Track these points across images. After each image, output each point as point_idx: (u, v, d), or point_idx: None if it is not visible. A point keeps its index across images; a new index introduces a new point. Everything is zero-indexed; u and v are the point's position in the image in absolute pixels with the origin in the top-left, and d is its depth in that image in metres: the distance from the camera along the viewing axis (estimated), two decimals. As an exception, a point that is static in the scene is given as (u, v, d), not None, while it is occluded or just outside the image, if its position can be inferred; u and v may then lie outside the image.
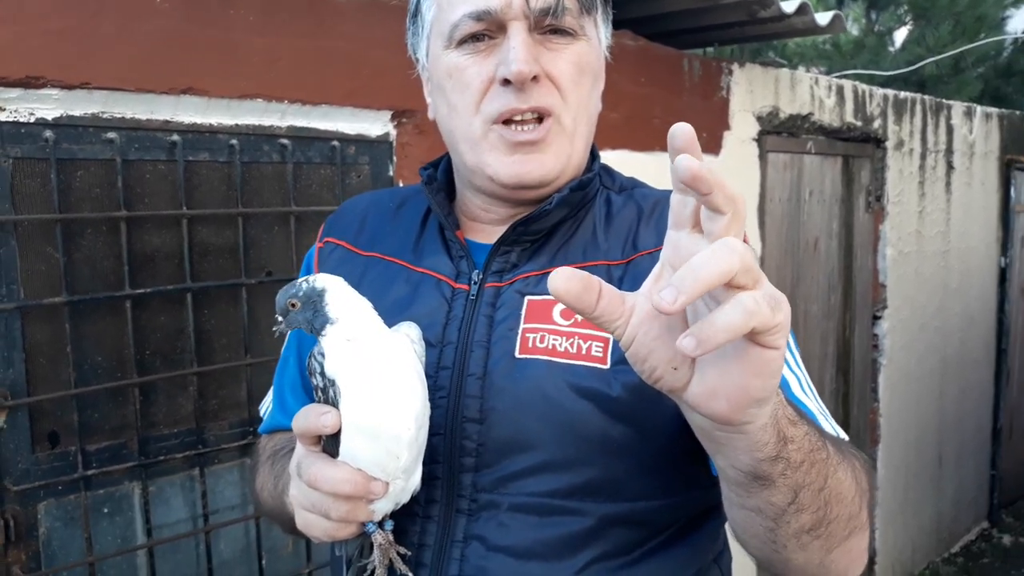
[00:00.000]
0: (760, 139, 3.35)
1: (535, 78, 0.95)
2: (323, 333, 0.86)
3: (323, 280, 0.87)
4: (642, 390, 0.92)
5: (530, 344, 0.96)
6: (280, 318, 0.86)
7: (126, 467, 1.78)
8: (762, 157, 3.37)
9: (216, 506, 1.95)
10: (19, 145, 1.61)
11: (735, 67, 3.19)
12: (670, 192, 1.06)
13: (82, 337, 1.73)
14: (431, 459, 0.94)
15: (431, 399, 0.93)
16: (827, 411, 0.99)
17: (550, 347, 0.95)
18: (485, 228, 1.06)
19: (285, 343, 1.21)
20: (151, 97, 1.73)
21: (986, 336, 5.18)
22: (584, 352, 0.94)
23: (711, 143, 3.12)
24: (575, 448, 0.93)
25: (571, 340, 0.95)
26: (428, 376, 0.98)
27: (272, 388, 1.23)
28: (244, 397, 1.96)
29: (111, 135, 1.71)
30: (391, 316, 1.01)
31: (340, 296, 0.87)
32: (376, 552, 0.90)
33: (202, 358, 1.89)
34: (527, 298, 0.98)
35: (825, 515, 0.81)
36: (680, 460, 0.98)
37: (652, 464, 0.97)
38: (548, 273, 0.98)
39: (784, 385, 0.95)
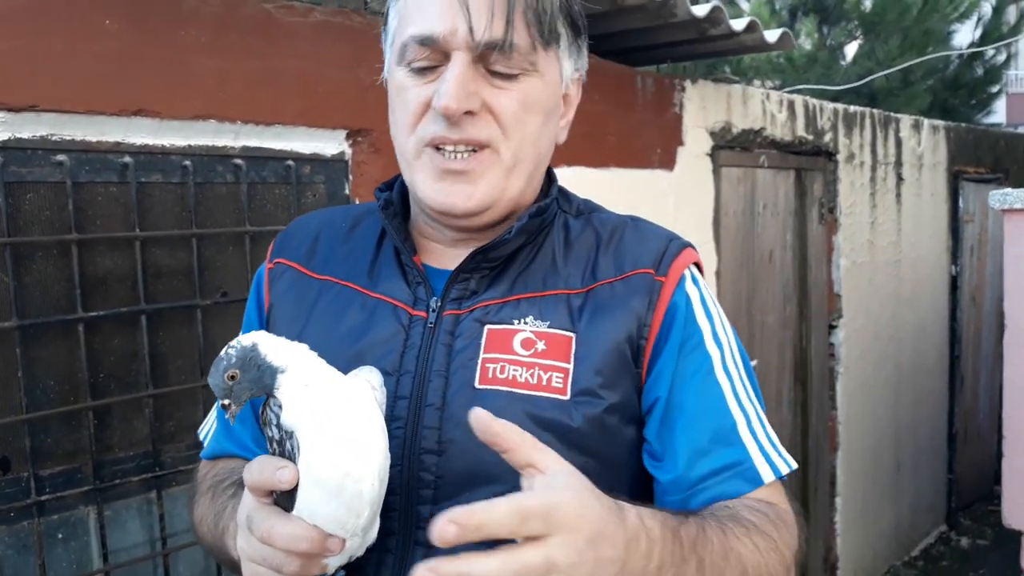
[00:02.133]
0: (714, 154, 3.41)
1: (471, 112, 0.93)
2: (276, 385, 0.81)
3: (247, 337, 0.82)
4: (602, 422, 0.95)
5: (490, 374, 0.95)
6: (226, 400, 0.79)
7: (81, 491, 1.76)
8: (716, 172, 3.43)
9: (174, 529, 1.93)
10: (-34, 169, 1.60)
11: (687, 83, 3.25)
12: (627, 217, 1.11)
13: (33, 361, 1.71)
14: (387, 491, 0.92)
15: (388, 431, 0.91)
16: (774, 442, 1.01)
17: (510, 378, 0.95)
18: (442, 251, 1.05)
19: None
20: (101, 119, 1.73)
21: (939, 343, 5.30)
22: (545, 383, 0.95)
23: (665, 158, 3.17)
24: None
25: (532, 371, 0.95)
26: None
27: (214, 409, 1.20)
28: (200, 418, 1.94)
29: (60, 157, 1.70)
30: (347, 344, 1.00)
31: (274, 344, 0.82)
32: None
33: (157, 380, 1.87)
34: (487, 327, 0.98)
35: None
36: (639, 491, 1.01)
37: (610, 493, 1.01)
38: (508, 302, 1.00)
39: (730, 426, 0.98)
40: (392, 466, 0.90)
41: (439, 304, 1.00)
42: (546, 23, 0.95)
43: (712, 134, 3.39)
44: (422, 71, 0.96)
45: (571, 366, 0.95)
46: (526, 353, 0.95)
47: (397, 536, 0.95)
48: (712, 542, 0.84)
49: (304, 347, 0.85)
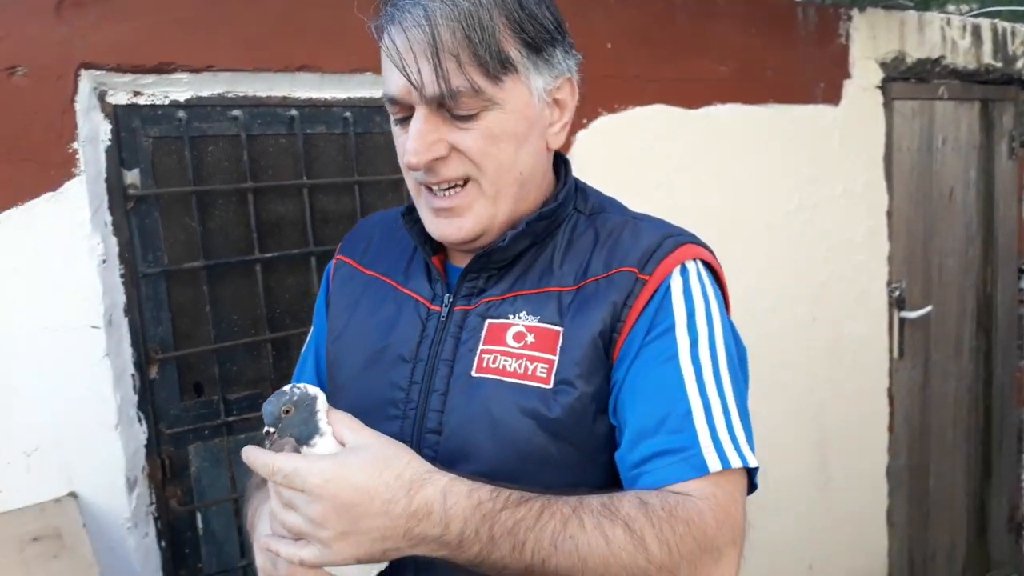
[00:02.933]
0: (884, 86, 3.22)
1: (440, 158, 1.02)
2: (311, 443, 0.93)
3: (313, 389, 0.95)
4: (579, 411, 1.02)
5: (484, 364, 1.05)
6: (271, 429, 0.91)
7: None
8: (887, 105, 3.24)
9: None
10: (156, 126, 1.80)
11: (854, 12, 3.08)
12: (632, 216, 1.15)
13: (219, 298, 1.91)
14: None
15: (402, 411, 1.07)
16: (734, 435, 0.99)
17: (501, 367, 1.04)
18: (461, 252, 1.14)
19: (306, 343, 1.33)
20: (269, 75, 1.89)
21: None
22: (531, 373, 1.02)
23: (830, 93, 3.04)
24: (517, 462, 1.01)
25: (520, 361, 1.03)
26: (401, 389, 1.09)
27: (293, 379, 1.35)
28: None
29: (236, 112, 1.87)
30: (380, 332, 1.14)
31: (326, 408, 0.95)
32: None
33: (326, 316, 2.05)
34: (488, 321, 1.07)
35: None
36: (615, 476, 1.04)
37: (591, 479, 1.03)
38: (507, 299, 1.08)
39: (683, 411, 0.98)
40: (404, 442, 1.00)
41: (451, 300, 1.11)
42: (489, 61, 0.97)
43: (883, 65, 3.20)
44: (402, 121, 1.05)
45: (556, 358, 1.02)
46: (517, 345, 1.04)
47: None
48: (545, 528, 0.89)
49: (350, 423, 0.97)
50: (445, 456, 1.03)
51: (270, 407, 0.90)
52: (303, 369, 1.31)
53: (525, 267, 1.08)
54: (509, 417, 1.01)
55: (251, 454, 0.90)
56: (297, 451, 0.94)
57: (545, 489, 0.99)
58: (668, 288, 1.04)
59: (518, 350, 1.03)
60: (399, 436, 1.04)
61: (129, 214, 1.78)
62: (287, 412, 0.90)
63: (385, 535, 0.88)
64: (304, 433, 0.92)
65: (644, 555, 0.89)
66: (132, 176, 1.78)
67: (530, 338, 1.04)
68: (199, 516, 1.92)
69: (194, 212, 1.85)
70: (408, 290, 1.14)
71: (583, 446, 1.03)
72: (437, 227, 1.08)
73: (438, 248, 1.15)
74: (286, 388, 0.93)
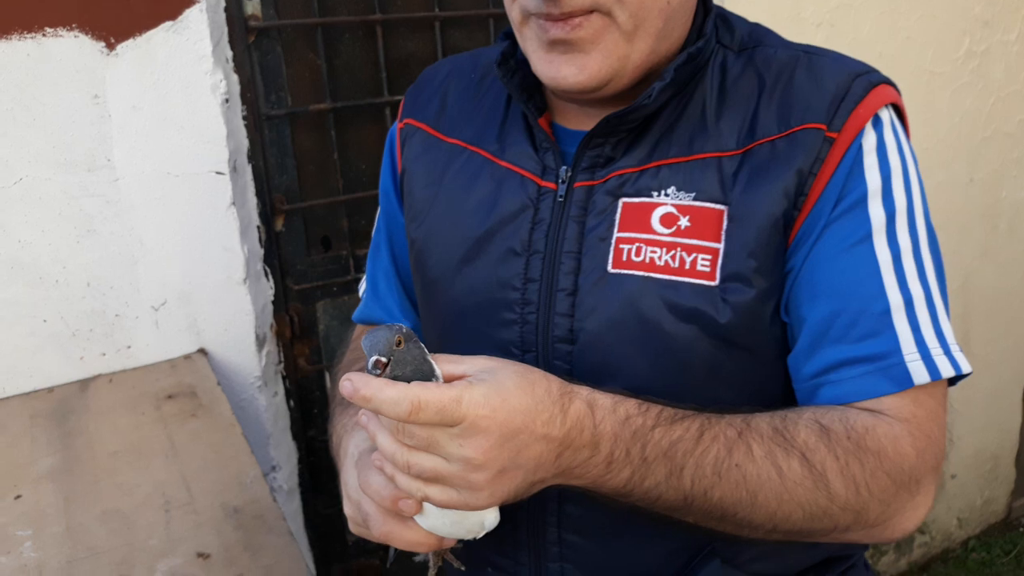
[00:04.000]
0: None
1: None
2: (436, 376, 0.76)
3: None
4: (754, 312, 0.81)
5: (624, 257, 0.84)
6: (384, 359, 0.68)
7: (390, 272, 1.84)
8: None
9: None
10: (280, -55, 1.59)
11: None
12: (801, 50, 0.86)
13: (346, 144, 1.75)
14: None
15: (520, 314, 0.87)
16: (943, 334, 0.80)
17: (648, 260, 0.83)
18: (578, 110, 0.89)
19: (375, 229, 1.13)
20: None
21: None
22: (688, 266, 0.82)
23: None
24: (677, 376, 0.83)
25: (672, 252, 0.82)
26: (514, 289, 0.89)
27: (366, 273, 1.17)
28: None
29: (364, -69, 1.65)
30: (477, 219, 0.91)
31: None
32: (430, 554, 0.85)
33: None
34: (622, 201, 0.85)
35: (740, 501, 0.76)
36: (790, 387, 0.85)
37: (765, 392, 0.85)
38: (647, 170, 0.84)
39: (880, 309, 0.79)
40: (526, 352, 0.87)
41: (569, 174, 0.87)
42: None
43: None
44: None
45: (721, 246, 0.81)
46: (666, 231, 0.83)
47: None
48: (707, 453, 0.74)
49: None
50: (583, 370, 0.85)
51: (383, 334, 0.68)
52: (377, 263, 1.11)
53: (666, 126, 0.85)
54: (664, 322, 0.82)
55: (371, 387, 0.66)
56: None
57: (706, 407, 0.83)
58: (860, 148, 0.81)
59: (669, 237, 0.83)
60: (520, 345, 0.88)
61: (250, 49, 1.60)
62: (399, 344, 0.68)
63: (539, 464, 0.71)
64: (420, 373, 0.70)
65: (825, 493, 0.75)
66: (252, 6, 1.59)
67: (684, 221, 0.82)
68: (327, 376, 1.84)
69: (319, 48, 1.66)
70: (508, 163, 0.91)
71: (760, 352, 0.84)
72: (550, 67, 0.82)
73: (543, 107, 0.91)
74: (387, 324, 0.72)
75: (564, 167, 0.87)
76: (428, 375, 0.70)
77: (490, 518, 0.78)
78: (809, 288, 0.81)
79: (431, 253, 0.96)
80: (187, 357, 1.62)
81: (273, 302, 1.74)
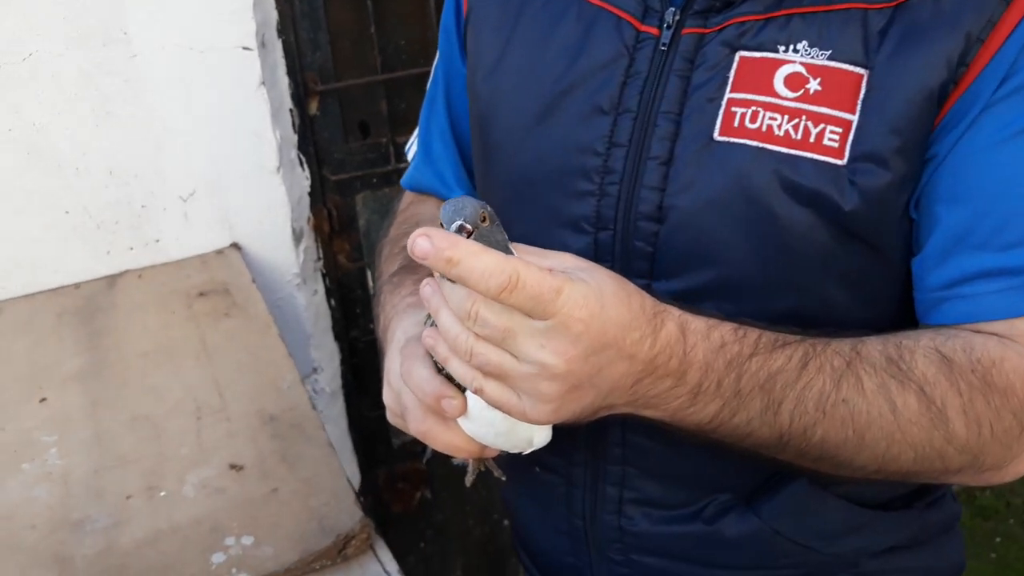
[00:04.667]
0: None
1: None
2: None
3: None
4: (887, 201, 0.68)
5: (736, 122, 0.70)
6: (469, 225, 0.57)
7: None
8: None
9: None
10: None
11: None
12: None
13: (384, 17, 1.59)
14: (599, 259, 0.73)
15: (598, 184, 0.75)
16: None
17: (764, 128, 0.69)
18: None
19: (431, 79, 0.97)
20: None
21: None
22: (813, 139, 0.68)
23: None
24: (781, 268, 0.71)
25: (796, 120, 0.68)
26: (596, 154, 0.74)
27: (417, 129, 1.01)
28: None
29: None
30: (556, 68, 0.76)
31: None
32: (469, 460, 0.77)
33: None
34: (739, 54, 0.71)
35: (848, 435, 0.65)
36: (910, 294, 0.73)
37: (881, 297, 0.74)
38: (775, 18, 0.69)
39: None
40: (601, 230, 0.75)
41: (677, 17, 0.73)
42: None
43: None
44: None
45: (855, 118, 0.67)
46: (792, 95, 0.69)
47: None
48: (811, 386, 0.64)
49: None
50: (670, 255, 0.73)
51: (469, 203, 0.58)
52: (432, 119, 0.98)
53: None
54: (777, 203, 0.69)
55: (460, 248, 0.54)
56: None
57: (815, 307, 0.71)
58: None
59: (794, 102, 0.69)
60: (595, 221, 0.75)
61: (276, -95, 1.43)
62: (483, 221, 0.58)
63: (615, 387, 0.61)
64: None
65: (943, 433, 0.65)
66: None
67: (814, 84, 0.68)
68: (369, 274, 1.72)
69: (353, -96, 1.48)
70: (607, 4, 0.76)
71: (884, 249, 0.71)
72: None
73: None
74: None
75: (671, 8, 0.73)
76: None
77: (541, 435, 0.70)
78: (951, 182, 0.67)
79: (498, 112, 0.82)
80: (219, 252, 1.52)
81: (309, 194, 1.61)
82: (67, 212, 1.40)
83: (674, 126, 0.72)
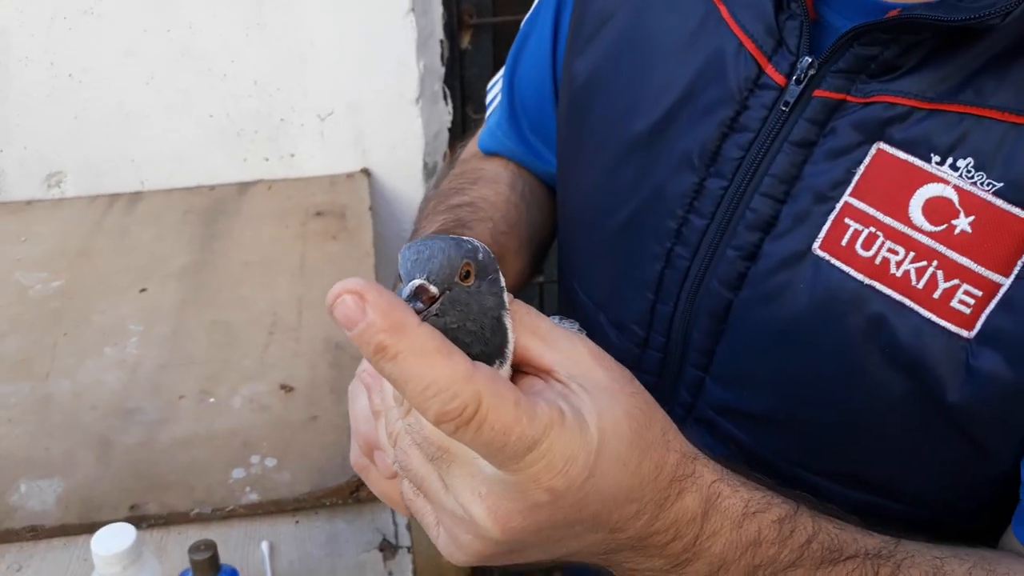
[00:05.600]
0: None
1: None
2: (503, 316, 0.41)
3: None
4: (1008, 399, 0.49)
5: (844, 239, 0.53)
6: (436, 292, 0.37)
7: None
8: None
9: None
10: None
11: None
12: None
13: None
14: (654, 330, 0.62)
15: (670, 248, 0.61)
16: None
17: (878, 259, 0.52)
18: None
19: (515, 42, 0.82)
20: None
21: None
22: (938, 295, 0.50)
23: None
24: (852, 428, 0.55)
25: (922, 263, 0.50)
26: (674, 215, 0.60)
27: (503, 72, 0.84)
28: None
29: None
30: (665, 82, 0.60)
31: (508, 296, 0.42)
32: None
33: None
34: (878, 146, 0.52)
35: None
36: (1011, 490, 0.54)
37: (976, 485, 0.55)
38: (942, 112, 0.50)
39: None
40: (662, 301, 0.62)
41: (812, 72, 0.55)
42: None
43: None
44: None
45: (1007, 283, 0.49)
46: (929, 227, 0.51)
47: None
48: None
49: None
50: (729, 363, 0.60)
51: (446, 249, 0.38)
52: (523, 61, 0.82)
53: (1006, 49, 0.49)
54: (865, 356, 0.53)
55: (405, 336, 0.33)
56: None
57: (886, 485, 0.56)
58: None
59: (928, 238, 0.51)
60: (655, 289, 0.61)
61: None
62: (466, 277, 0.38)
63: (575, 552, 0.44)
64: (480, 339, 0.39)
65: None
66: None
67: (963, 222, 0.50)
68: (501, 219, 1.67)
69: None
70: (734, 21, 0.59)
71: (991, 448, 0.53)
72: None
73: None
74: (461, 240, 0.40)
75: (808, 57, 0.55)
76: (494, 346, 0.40)
77: None
78: None
79: (589, 117, 0.68)
80: (349, 175, 1.52)
81: (449, 129, 1.57)
82: (211, 115, 1.45)
83: (772, 214, 0.56)
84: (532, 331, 0.41)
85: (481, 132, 0.90)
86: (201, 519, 0.88)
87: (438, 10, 1.48)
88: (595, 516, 0.40)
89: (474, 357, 0.36)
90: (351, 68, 1.44)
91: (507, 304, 0.40)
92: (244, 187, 1.48)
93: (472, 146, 0.92)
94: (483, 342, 0.38)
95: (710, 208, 0.58)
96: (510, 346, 0.40)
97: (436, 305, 0.36)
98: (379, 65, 1.45)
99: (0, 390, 1.02)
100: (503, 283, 0.40)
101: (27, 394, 1.02)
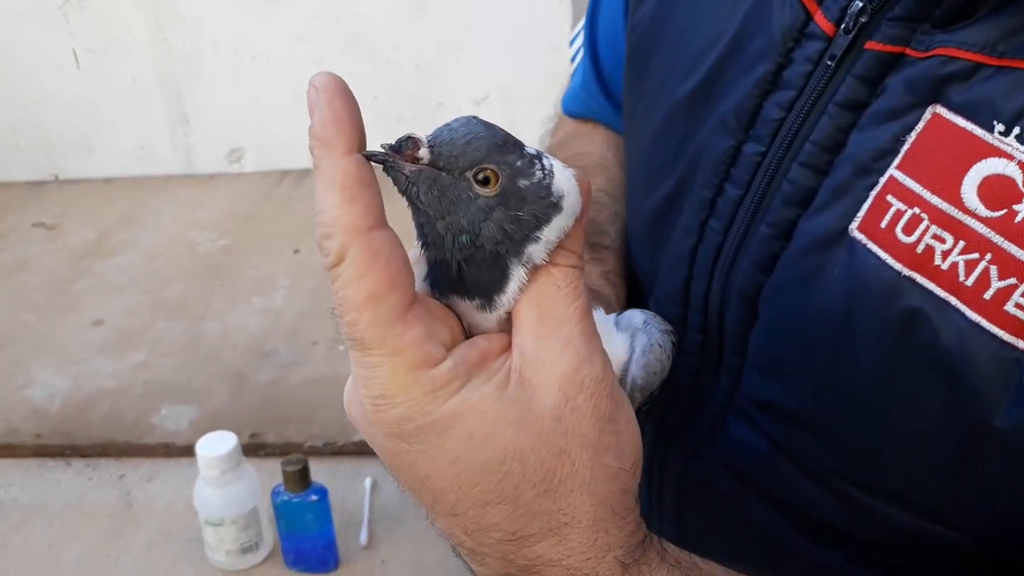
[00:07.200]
0: None
1: None
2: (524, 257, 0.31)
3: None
4: None
5: (884, 221, 0.43)
6: (423, 153, 0.30)
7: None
8: None
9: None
10: None
11: None
12: None
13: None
14: (690, 309, 0.55)
15: (704, 220, 0.53)
16: None
17: (920, 247, 0.42)
18: None
19: None
20: None
21: None
22: (989, 295, 0.40)
23: None
24: (884, 437, 0.46)
25: (973, 255, 0.40)
26: (709, 184, 0.53)
27: (584, 19, 0.72)
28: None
29: None
30: (708, 37, 0.53)
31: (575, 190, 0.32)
32: None
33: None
34: (934, 110, 0.42)
35: None
36: None
37: (1018, 509, 0.45)
38: (1011, 69, 0.39)
39: None
40: (696, 278, 0.54)
41: (864, 19, 0.45)
42: None
43: None
44: None
45: None
46: (985, 212, 0.40)
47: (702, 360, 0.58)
48: None
49: None
50: (762, 351, 0.48)
51: (472, 140, 0.30)
52: (602, 14, 0.73)
53: None
54: (899, 359, 0.39)
55: (336, 161, 0.29)
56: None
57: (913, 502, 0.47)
58: None
59: (983, 224, 0.41)
60: (688, 264, 0.49)
61: None
62: (484, 182, 0.30)
63: (449, 525, 0.32)
64: (489, 238, 0.30)
65: None
66: None
67: None
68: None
69: None
70: None
71: None
72: None
73: None
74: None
75: (860, 2, 0.45)
76: (473, 280, 0.31)
77: None
78: None
79: (649, 61, 0.63)
80: (500, 159, 1.55)
81: (602, 116, 1.57)
82: (375, 98, 1.53)
83: (811, 187, 0.47)
84: (540, 314, 0.33)
85: (565, 92, 0.83)
86: (313, 452, 0.92)
87: (595, -4, 1.49)
88: (434, 488, 0.32)
89: (437, 264, 0.32)
90: (506, 53, 1.48)
91: (537, 259, 0.32)
92: (401, 167, 1.55)
93: (564, 125, 0.82)
94: (453, 261, 0.31)
95: (745, 177, 0.50)
96: (503, 298, 0.32)
97: (410, 167, 0.30)
98: (533, 50, 1.47)
99: (160, 326, 1.12)
100: (552, 168, 0.32)
101: (181, 331, 1.11)
